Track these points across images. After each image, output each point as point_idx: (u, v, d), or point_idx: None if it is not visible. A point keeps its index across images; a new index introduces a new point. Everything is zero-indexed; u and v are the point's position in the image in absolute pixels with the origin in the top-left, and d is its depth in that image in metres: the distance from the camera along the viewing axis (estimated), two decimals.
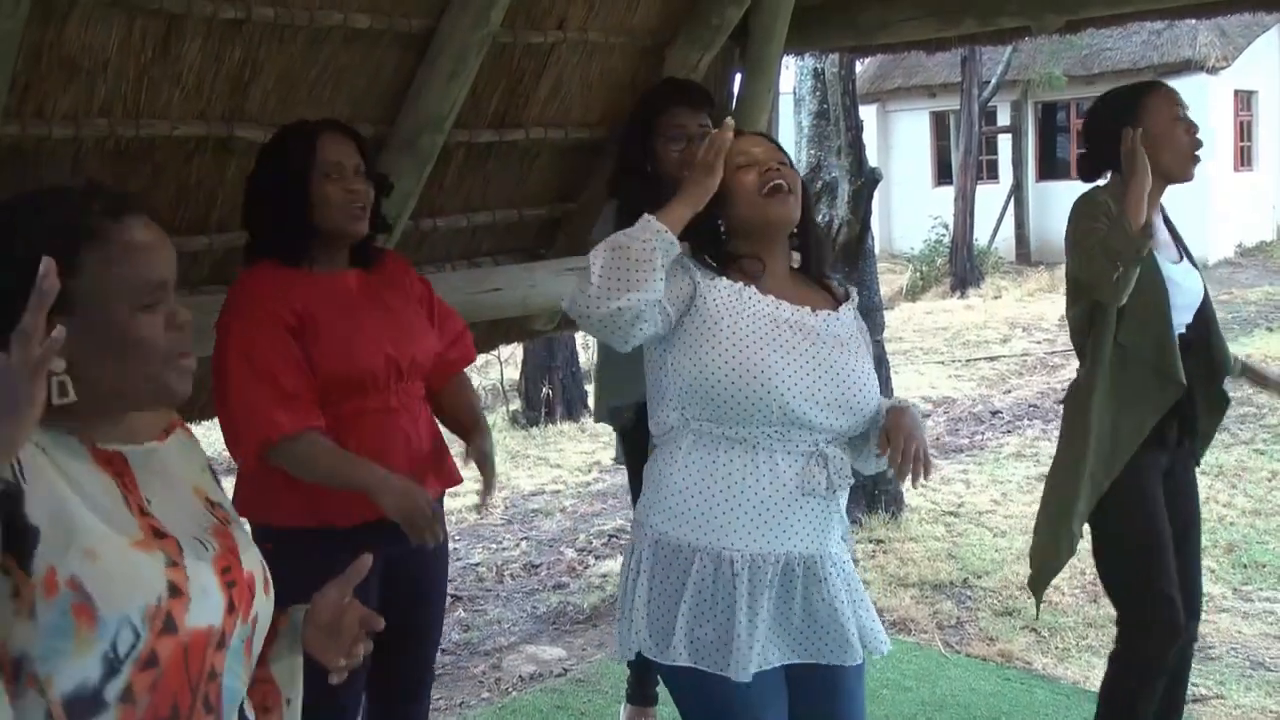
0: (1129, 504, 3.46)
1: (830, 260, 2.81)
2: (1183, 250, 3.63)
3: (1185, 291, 3.49)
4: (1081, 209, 3.49)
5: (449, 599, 6.17)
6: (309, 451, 2.88)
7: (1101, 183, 3.59)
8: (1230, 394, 3.77)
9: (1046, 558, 3.60)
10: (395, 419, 3.09)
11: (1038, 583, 3.66)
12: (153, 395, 1.62)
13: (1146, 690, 3.49)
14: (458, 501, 8.32)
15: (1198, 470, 3.74)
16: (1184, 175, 3.52)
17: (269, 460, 2.88)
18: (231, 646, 1.64)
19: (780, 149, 2.73)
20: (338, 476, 2.89)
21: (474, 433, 3.23)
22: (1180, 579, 3.50)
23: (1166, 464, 3.54)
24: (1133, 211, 3.31)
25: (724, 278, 2.60)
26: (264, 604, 1.72)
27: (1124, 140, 3.36)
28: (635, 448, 3.97)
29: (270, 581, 1.76)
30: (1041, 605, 3.86)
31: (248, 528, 1.81)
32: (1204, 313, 3.60)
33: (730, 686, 2.50)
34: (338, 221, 2.99)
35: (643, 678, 4.40)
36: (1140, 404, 3.44)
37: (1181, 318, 3.50)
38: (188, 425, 1.84)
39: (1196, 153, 3.50)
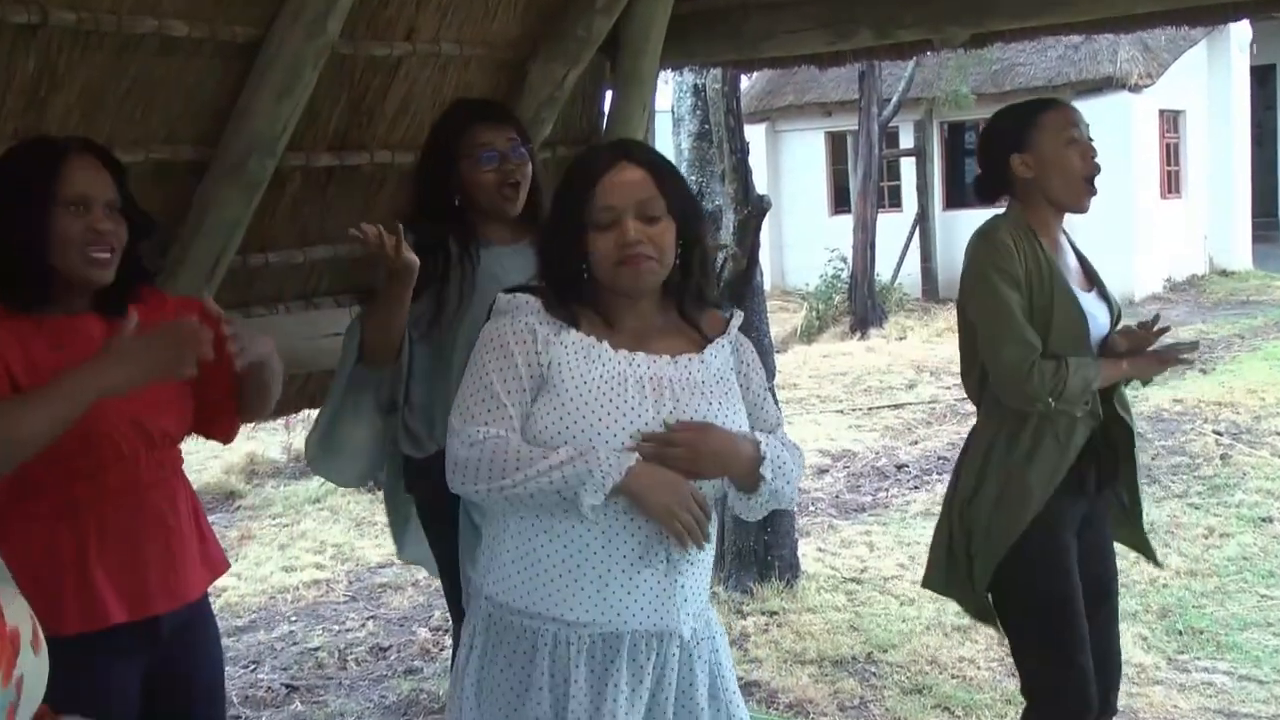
0: (1039, 558, 3.50)
1: (710, 296, 2.80)
2: (1093, 279, 3.70)
3: (1099, 325, 3.57)
4: (985, 252, 3.52)
5: (284, 690, 6.11)
6: None
7: (1001, 210, 3.67)
8: (1147, 438, 3.84)
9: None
10: (146, 497, 2.89)
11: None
12: None
13: None
14: (294, 577, 8.23)
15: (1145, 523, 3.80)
16: (1077, 205, 3.57)
17: None
18: None
19: (658, 176, 2.64)
20: (52, 409, 2.54)
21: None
22: (1097, 645, 3.56)
23: (1084, 513, 3.59)
24: (1106, 376, 3.47)
25: (574, 331, 2.60)
26: (32, 663, 1.67)
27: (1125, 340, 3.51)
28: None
29: (41, 638, 1.71)
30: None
31: (9, 578, 1.75)
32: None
33: None
34: (76, 266, 2.76)
35: None
36: (1050, 451, 3.48)
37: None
38: None
39: (1093, 179, 3.54)
